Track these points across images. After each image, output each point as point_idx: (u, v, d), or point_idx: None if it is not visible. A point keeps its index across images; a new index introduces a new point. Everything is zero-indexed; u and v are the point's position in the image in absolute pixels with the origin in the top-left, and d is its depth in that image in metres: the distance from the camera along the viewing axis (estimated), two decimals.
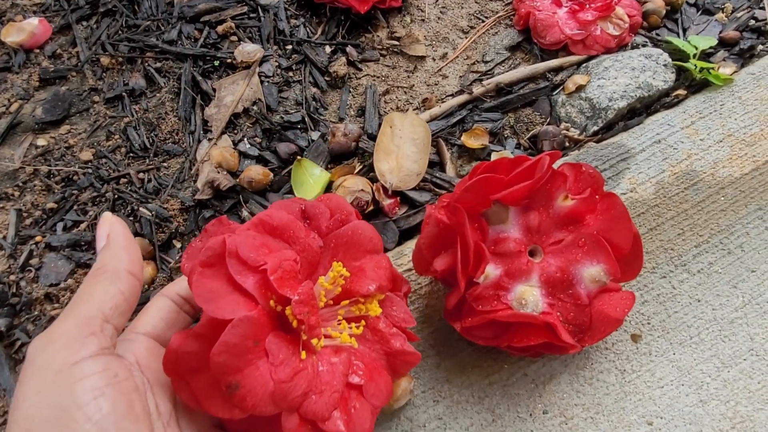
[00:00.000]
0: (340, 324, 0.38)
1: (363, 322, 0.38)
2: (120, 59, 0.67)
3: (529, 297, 0.46)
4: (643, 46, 0.69)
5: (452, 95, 0.67)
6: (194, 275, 0.33)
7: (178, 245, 0.58)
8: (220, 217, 0.38)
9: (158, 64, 0.66)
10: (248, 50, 0.66)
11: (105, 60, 0.67)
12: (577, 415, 0.48)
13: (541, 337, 0.44)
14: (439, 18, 0.73)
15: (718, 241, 0.55)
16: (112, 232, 0.36)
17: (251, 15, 0.70)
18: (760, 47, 0.68)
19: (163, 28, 0.69)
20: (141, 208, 0.59)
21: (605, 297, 0.47)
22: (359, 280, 0.38)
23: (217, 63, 0.66)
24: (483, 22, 0.72)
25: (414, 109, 0.66)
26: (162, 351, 0.35)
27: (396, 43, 0.70)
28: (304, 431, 0.34)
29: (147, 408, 0.32)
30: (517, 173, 0.47)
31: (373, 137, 0.63)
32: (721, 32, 0.71)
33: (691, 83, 0.65)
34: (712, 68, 0.64)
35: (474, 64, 0.69)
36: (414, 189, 0.59)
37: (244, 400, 0.32)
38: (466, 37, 0.71)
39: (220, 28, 0.68)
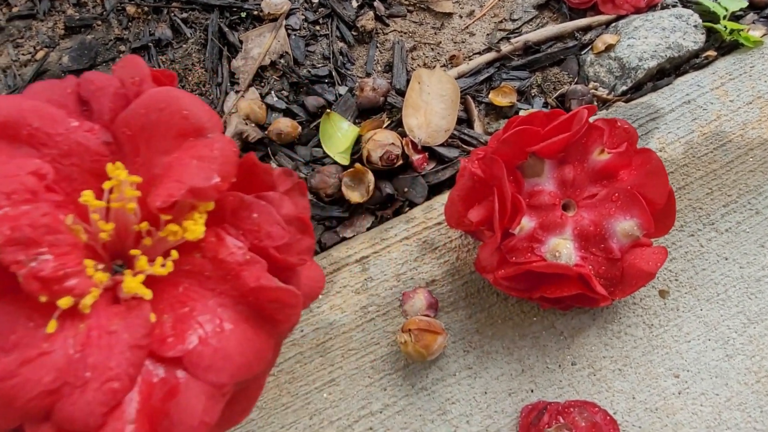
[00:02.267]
0: (142, 262, 0.25)
1: (174, 253, 0.25)
2: (146, 9, 0.66)
3: (562, 250, 0.46)
4: (673, 6, 0.68)
5: (479, 53, 0.66)
6: None
7: None
8: None
9: (184, 15, 0.65)
10: (275, 2, 0.65)
11: (131, 9, 0.65)
12: (605, 367, 0.49)
13: (575, 289, 0.45)
14: None
15: (746, 201, 0.55)
16: None
17: None
18: None
19: None
20: None
21: (637, 251, 0.47)
22: (164, 184, 0.24)
23: (243, 15, 0.66)
24: None
25: (441, 66, 0.65)
26: None
27: None
28: None
29: None
30: (554, 126, 0.46)
31: (401, 93, 0.62)
32: None
33: (721, 45, 0.65)
34: (742, 30, 0.64)
35: (501, 22, 0.69)
36: (442, 145, 0.59)
37: None
38: None
39: None
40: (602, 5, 0.67)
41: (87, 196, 0.23)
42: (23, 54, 0.63)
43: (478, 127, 0.61)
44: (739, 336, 0.50)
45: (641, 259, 0.47)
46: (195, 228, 0.23)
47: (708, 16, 0.66)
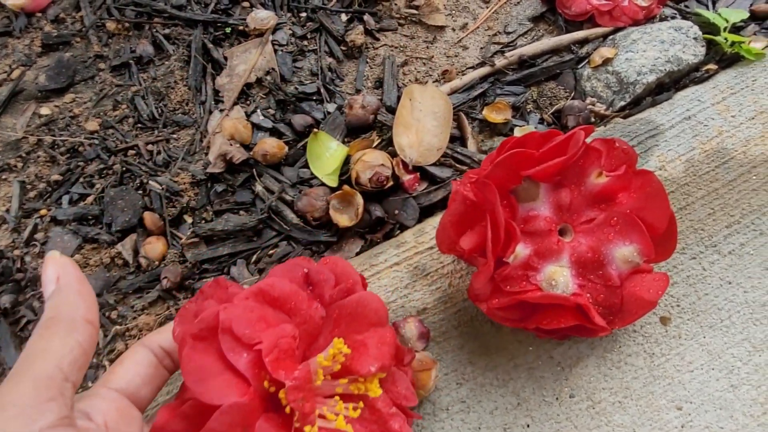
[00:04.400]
0: (336, 405, 0.34)
1: (361, 403, 0.35)
2: (126, 25, 0.64)
3: (559, 278, 0.44)
4: (672, 18, 0.66)
5: (473, 67, 0.64)
6: (185, 348, 0.31)
7: (189, 220, 0.56)
8: (218, 279, 0.35)
9: (167, 31, 0.63)
10: (261, 17, 0.63)
11: (111, 25, 0.63)
12: (605, 399, 0.47)
13: (572, 320, 0.42)
14: None
15: (750, 222, 0.53)
16: (63, 275, 0.32)
17: None
18: None
19: None
20: (150, 181, 0.56)
21: (637, 278, 0.45)
22: (360, 358, 0.35)
23: (228, 30, 0.64)
24: None
25: (433, 82, 0.63)
26: (134, 413, 0.32)
27: (415, 11, 0.67)
28: None
29: None
30: (550, 148, 0.44)
31: (391, 110, 0.60)
32: (751, 5, 0.68)
33: (722, 57, 0.63)
34: (744, 42, 0.62)
35: (495, 35, 0.67)
36: (434, 164, 0.57)
37: None
38: (488, 7, 0.68)
39: None
40: (599, 17, 0.65)
41: (320, 359, 0.33)
42: None
43: (471, 145, 0.59)
44: (744, 365, 0.48)
45: (642, 286, 0.44)
46: (376, 390, 0.35)
47: (708, 27, 0.64)
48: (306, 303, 0.34)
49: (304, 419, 0.32)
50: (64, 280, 0.32)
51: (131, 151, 0.58)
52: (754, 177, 0.55)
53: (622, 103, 0.60)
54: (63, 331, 0.30)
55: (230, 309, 0.31)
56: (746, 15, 0.65)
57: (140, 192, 0.56)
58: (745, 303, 0.50)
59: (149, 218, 0.55)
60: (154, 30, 0.63)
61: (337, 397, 0.34)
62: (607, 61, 0.62)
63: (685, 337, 0.49)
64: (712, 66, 0.62)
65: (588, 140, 0.47)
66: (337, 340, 0.34)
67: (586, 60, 0.63)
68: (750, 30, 0.66)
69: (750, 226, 0.53)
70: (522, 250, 0.44)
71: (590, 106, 0.60)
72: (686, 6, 0.68)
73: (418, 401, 0.45)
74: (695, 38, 0.62)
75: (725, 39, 0.62)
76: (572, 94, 0.62)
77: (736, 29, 0.66)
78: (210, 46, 0.62)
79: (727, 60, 0.63)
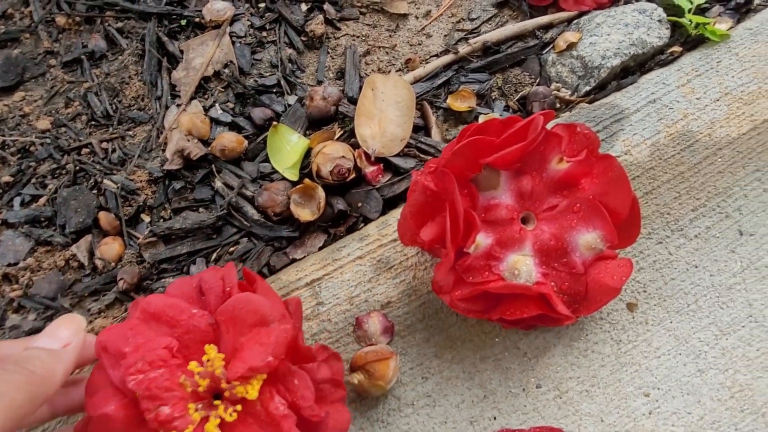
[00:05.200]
0: (217, 409, 0.35)
1: (239, 406, 0.35)
2: (77, 19, 0.61)
3: (522, 267, 0.43)
4: (637, 0, 0.65)
5: (437, 55, 0.63)
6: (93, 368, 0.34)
7: (147, 219, 0.54)
8: (136, 300, 0.37)
9: (120, 24, 0.61)
10: (218, 8, 0.61)
11: (61, 20, 0.61)
12: (572, 389, 0.46)
13: (535, 309, 0.42)
14: None
15: (716, 204, 0.53)
16: (72, 347, 0.33)
17: None
18: (757, 1, 0.65)
19: None
20: (105, 180, 0.55)
21: (601, 265, 0.44)
22: (234, 361, 0.35)
23: (184, 22, 0.62)
24: None
25: (397, 71, 0.62)
26: None
27: (377, 0, 0.65)
28: None
29: None
30: (509, 135, 0.43)
31: (353, 101, 0.59)
32: None
33: (687, 39, 0.62)
34: (708, 24, 0.61)
35: (459, 21, 0.65)
36: (398, 155, 0.56)
37: None
38: None
39: None
40: (563, 2, 0.64)
41: (192, 366, 0.34)
42: None
43: (436, 135, 0.58)
44: (711, 349, 0.48)
45: (605, 273, 0.44)
46: (252, 392, 0.34)
47: (673, 9, 0.64)
48: (186, 313, 0.36)
49: (161, 426, 0.33)
50: (70, 349, 0.33)
51: (85, 150, 0.56)
52: (720, 159, 0.55)
53: (587, 88, 0.60)
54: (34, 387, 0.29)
55: (108, 330, 0.34)
56: None
57: (95, 192, 0.55)
58: (711, 286, 0.50)
59: (104, 218, 0.53)
60: (107, 24, 0.61)
61: (218, 402, 0.35)
62: (571, 46, 0.61)
63: (652, 322, 0.49)
64: (676, 48, 0.61)
65: (550, 126, 0.46)
66: (209, 347, 0.35)
67: (551, 45, 0.63)
68: (715, 11, 0.65)
69: (716, 209, 0.53)
70: (483, 240, 0.43)
71: (555, 92, 0.59)
72: None
73: (379, 393, 0.44)
74: (660, 21, 0.62)
75: (690, 21, 0.61)
76: (537, 80, 0.61)
77: (701, 11, 0.65)
78: (165, 39, 0.60)
79: (692, 42, 0.62)
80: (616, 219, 0.44)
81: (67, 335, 0.33)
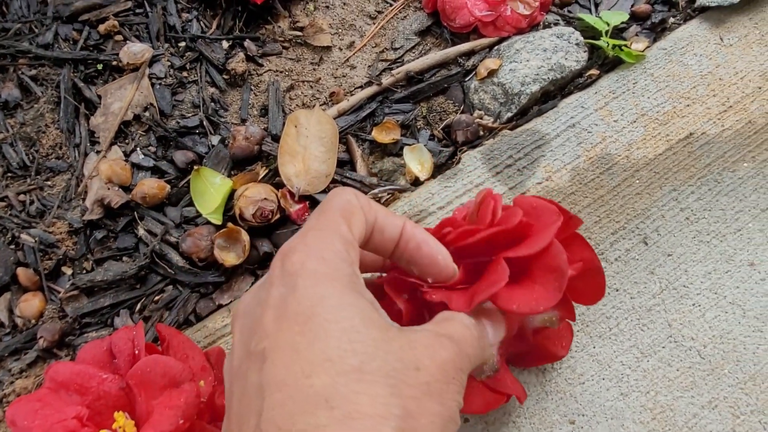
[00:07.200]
0: None
1: None
2: None
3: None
4: (555, 24, 0.66)
5: (361, 87, 0.63)
6: None
7: (69, 272, 0.53)
8: (50, 365, 0.38)
9: (33, 72, 0.60)
10: (135, 50, 0.60)
11: None
12: (498, 419, 0.47)
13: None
14: (344, 3, 0.68)
15: (635, 227, 0.54)
16: None
17: (137, 11, 0.64)
18: (672, 20, 0.67)
19: (36, 30, 0.62)
20: (23, 235, 0.53)
21: (548, 331, 0.44)
22: (146, 427, 0.35)
23: (100, 66, 0.61)
24: (391, 5, 0.69)
25: (321, 105, 0.62)
26: None
27: (299, 33, 0.65)
28: None
29: None
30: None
31: (277, 138, 0.58)
32: (632, 6, 0.69)
33: (604, 61, 0.64)
34: (625, 45, 0.63)
35: (383, 51, 0.66)
36: (323, 192, 0.56)
37: None
38: (374, 23, 0.67)
39: (101, 27, 0.62)
40: (483, 28, 0.65)
41: None
42: None
43: (361, 169, 0.58)
44: (633, 372, 0.49)
45: (550, 340, 0.44)
46: None
47: (590, 32, 0.65)
48: (96, 379, 0.36)
49: None
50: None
51: (1, 204, 0.55)
52: (637, 181, 0.56)
53: (509, 114, 0.60)
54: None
55: (16, 403, 0.35)
56: (626, 17, 0.66)
57: (12, 247, 0.53)
58: (632, 309, 0.51)
59: (23, 274, 0.52)
60: (20, 72, 0.60)
61: None
62: (492, 73, 0.62)
63: (576, 348, 0.49)
64: (594, 71, 0.63)
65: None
66: (118, 414, 0.36)
67: (473, 72, 0.63)
68: (632, 31, 0.67)
69: (635, 231, 0.54)
70: None
71: (478, 120, 0.60)
72: (569, 11, 0.68)
73: None
74: (577, 44, 0.63)
75: (606, 43, 0.63)
76: (461, 108, 0.62)
77: (619, 31, 0.66)
78: (81, 84, 0.59)
79: (609, 64, 0.63)
80: (581, 301, 0.43)
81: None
